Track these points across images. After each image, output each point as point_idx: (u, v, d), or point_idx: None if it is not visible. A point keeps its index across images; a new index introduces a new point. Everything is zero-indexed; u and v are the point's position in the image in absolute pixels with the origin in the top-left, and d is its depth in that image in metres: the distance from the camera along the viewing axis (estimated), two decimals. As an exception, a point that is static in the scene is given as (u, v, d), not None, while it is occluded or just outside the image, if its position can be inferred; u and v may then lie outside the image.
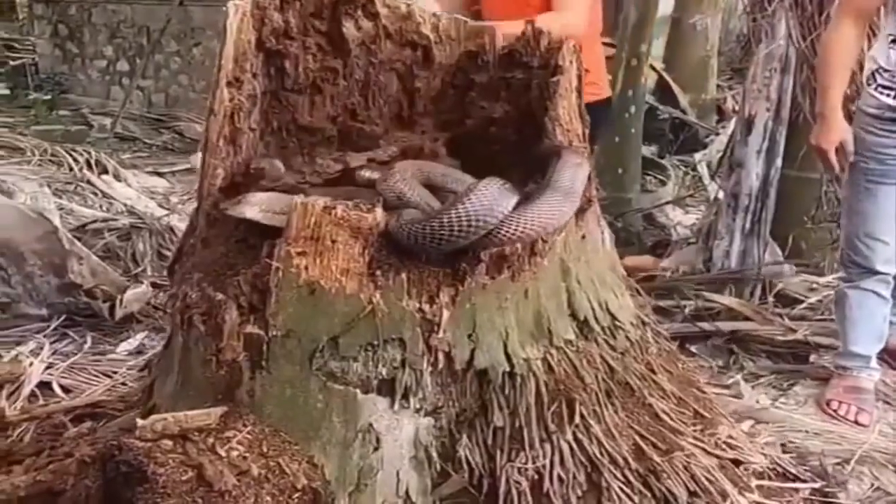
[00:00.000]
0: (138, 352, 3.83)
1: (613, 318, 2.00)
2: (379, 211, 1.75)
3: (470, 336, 1.78)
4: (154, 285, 4.33)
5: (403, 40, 2.16)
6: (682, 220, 5.56)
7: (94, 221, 4.95)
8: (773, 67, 3.96)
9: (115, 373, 3.48)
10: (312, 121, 2.14)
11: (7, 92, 9.13)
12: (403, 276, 1.73)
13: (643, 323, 2.14)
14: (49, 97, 8.54)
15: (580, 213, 1.91)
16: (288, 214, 1.74)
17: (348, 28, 2.11)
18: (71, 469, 1.96)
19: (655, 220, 5.44)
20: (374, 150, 2.14)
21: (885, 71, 2.67)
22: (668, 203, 5.80)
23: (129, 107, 8.32)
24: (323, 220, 1.72)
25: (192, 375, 1.97)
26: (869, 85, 2.73)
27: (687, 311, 3.71)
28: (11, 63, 9.69)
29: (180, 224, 5.28)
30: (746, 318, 3.57)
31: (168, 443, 1.76)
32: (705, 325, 3.53)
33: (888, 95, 2.66)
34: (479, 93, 2.14)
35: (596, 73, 2.96)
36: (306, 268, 1.73)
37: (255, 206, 1.84)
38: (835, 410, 2.85)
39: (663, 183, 6.36)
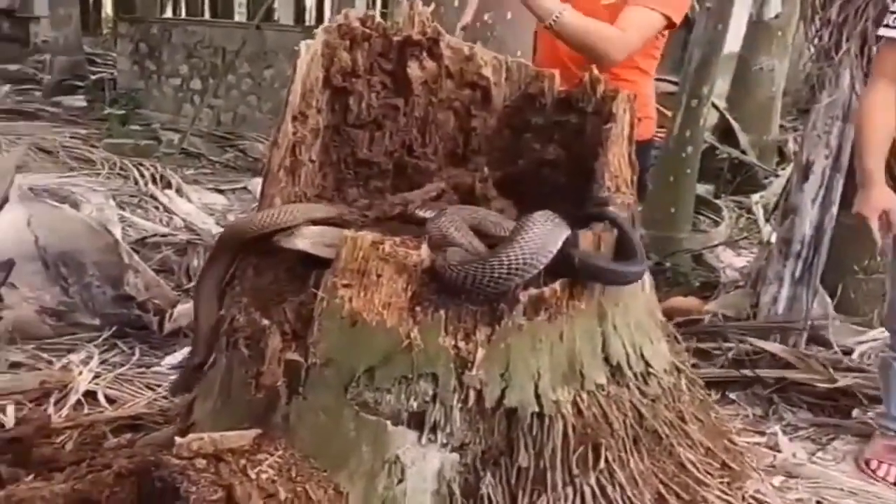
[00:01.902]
0: (182, 366, 3.92)
1: (647, 364, 2.00)
2: (424, 248, 1.79)
3: (502, 375, 1.80)
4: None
5: (464, 81, 2.23)
6: (732, 263, 5.49)
7: (154, 235, 5.08)
8: (834, 115, 3.93)
9: (159, 386, 3.57)
10: (371, 155, 2.21)
11: (84, 104, 9.43)
12: (442, 313, 1.76)
13: (678, 370, 2.14)
14: (123, 112, 8.82)
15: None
16: (337, 247, 1.79)
17: (412, 68, 2.17)
18: (108, 480, 2.01)
19: (705, 262, 5.39)
20: (425, 186, 2.20)
21: None
22: (718, 245, 5.75)
23: (198, 124, 8.55)
24: (370, 254, 1.77)
25: (232, 397, 2.03)
26: None
27: (730, 355, 3.68)
28: (92, 77, 10.01)
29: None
30: (789, 366, 3.52)
31: (202, 462, 1.81)
32: (747, 372, 3.50)
33: None
34: (534, 134, 2.19)
35: (644, 111, 2.97)
36: (350, 300, 1.78)
37: (307, 239, 1.91)
38: (873, 470, 2.79)
39: (716, 223, 6.30)
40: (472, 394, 1.79)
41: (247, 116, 8.83)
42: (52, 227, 4.11)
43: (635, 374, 1.97)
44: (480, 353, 1.77)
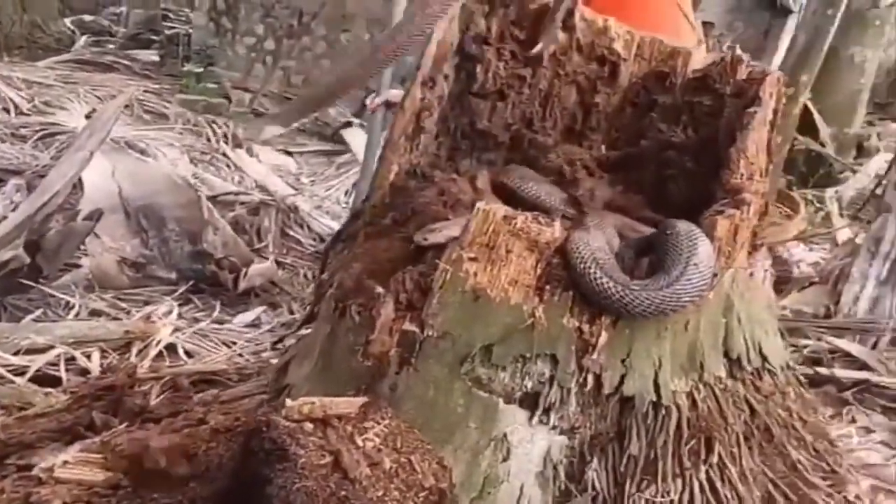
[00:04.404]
0: (254, 325, 3.94)
1: (764, 359, 1.95)
2: (558, 226, 1.75)
3: (623, 361, 1.77)
4: (276, 263, 4.45)
5: (593, 55, 2.16)
6: (804, 258, 5.36)
7: (227, 194, 5.08)
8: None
9: (235, 343, 3.59)
10: (490, 126, 2.15)
11: (158, 59, 9.46)
12: (570, 293, 1.73)
13: (788, 367, 2.09)
14: (200, 69, 8.84)
15: (754, 250, 1.87)
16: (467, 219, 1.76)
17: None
18: (204, 435, 2.02)
19: (776, 255, 5.27)
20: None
21: None
22: (792, 239, 5.61)
23: (269, 85, 8.51)
24: (502, 228, 1.73)
25: (334, 362, 2.01)
26: None
27: (805, 352, 3.59)
28: (166, 32, 10.03)
29: (305, 206, 5.40)
30: (865, 367, 3.43)
31: (310, 426, 1.80)
32: (824, 371, 3.41)
33: None
34: (661, 114, 2.12)
35: None
36: (475, 274, 1.75)
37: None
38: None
39: (790, 217, 6.15)
40: (590, 378, 1.76)
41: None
42: (135, 179, 4.15)
43: (753, 370, 1.92)
44: (604, 336, 1.73)
